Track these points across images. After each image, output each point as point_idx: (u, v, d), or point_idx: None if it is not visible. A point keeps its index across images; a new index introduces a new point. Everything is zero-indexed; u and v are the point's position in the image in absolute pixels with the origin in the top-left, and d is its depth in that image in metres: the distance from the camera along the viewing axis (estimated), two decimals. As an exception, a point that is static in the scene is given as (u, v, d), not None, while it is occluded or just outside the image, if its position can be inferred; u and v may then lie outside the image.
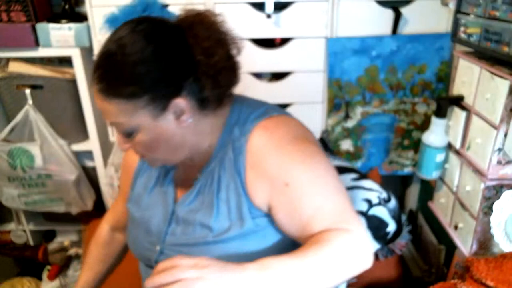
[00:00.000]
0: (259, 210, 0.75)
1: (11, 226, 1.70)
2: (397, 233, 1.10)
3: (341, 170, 1.10)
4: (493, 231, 1.05)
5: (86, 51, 1.39)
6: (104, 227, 1.08)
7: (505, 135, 0.99)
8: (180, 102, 0.71)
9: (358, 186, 1.05)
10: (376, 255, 1.31)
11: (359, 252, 0.68)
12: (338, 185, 0.73)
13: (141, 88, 0.69)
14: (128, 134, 0.75)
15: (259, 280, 0.60)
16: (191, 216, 0.79)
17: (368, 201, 1.02)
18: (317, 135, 1.50)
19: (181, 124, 0.74)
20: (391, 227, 1.03)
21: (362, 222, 0.72)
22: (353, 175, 1.09)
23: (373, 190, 1.04)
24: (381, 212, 1.02)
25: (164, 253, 0.82)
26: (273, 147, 0.73)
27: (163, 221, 0.84)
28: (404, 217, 1.15)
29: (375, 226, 1.01)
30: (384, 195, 1.05)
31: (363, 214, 1.01)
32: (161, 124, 0.72)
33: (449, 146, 1.22)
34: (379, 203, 1.03)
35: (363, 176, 1.10)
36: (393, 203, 1.07)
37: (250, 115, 0.78)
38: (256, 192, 0.74)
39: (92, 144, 1.49)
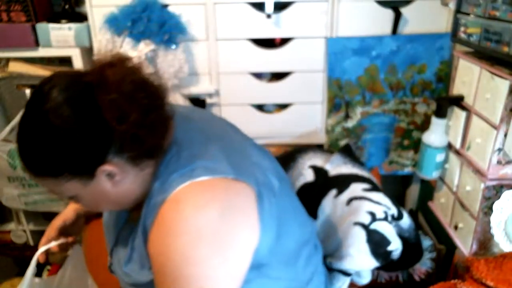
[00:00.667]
0: None
1: (11, 226, 1.70)
2: (415, 257, 1.07)
3: (355, 179, 1.08)
4: (493, 231, 1.05)
5: (86, 51, 1.39)
6: None
7: (505, 135, 0.99)
8: (107, 168, 0.68)
9: (366, 197, 1.02)
10: (397, 277, 1.29)
11: None
12: None
13: (57, 169, 0.68)
14: (70, 198, 0.74)
15: None
16: (119, 251, 0.83)
17: (372, 214, 0.98)
18: (318, 135, 1.50)
19: (116, 184, 0.72)
20: (394, 246, 0.98)
21: None
22: (365, 186, 1.05)
23: (380, 204, 1.00)
24: (385, 229, 0.98)
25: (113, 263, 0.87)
26: (172, 234, 0.67)
27: (112, 238, 0.87)
28: (428, 243, 1.10)
29: (375, 242, 0.97)
30: (393, 211, 1.01)
31: (365, 227, 0.98)
32: (95, 188, 0.71)
33: (449, 146, 1.22)
34: (385, 219, 0.99)
35: (375, 188, 1.06)
36: (406, 222, 1.03)
37: (173, 173, 0.70)
38: (151, 255, 0.71)
39: (92, 144, 1.49)
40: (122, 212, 0.87)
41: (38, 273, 1.72)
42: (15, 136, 0.69)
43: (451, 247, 1.25)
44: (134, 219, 0.81)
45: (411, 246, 1.03)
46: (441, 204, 1.29)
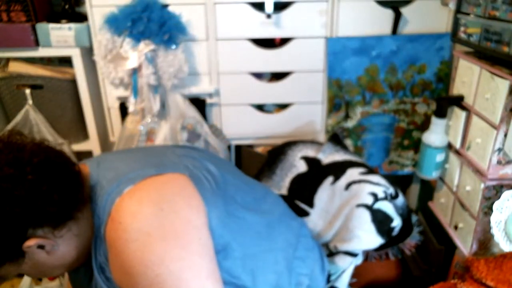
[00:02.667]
0: None
1: (11, 226, 1.70)
2: (407, 232, 1.11)
3: (350, 165, 1.12)
4: (493, 231, 1.05)
5: (86, 51, 1.39)
6: None
7: (505, 135, 0.99)
8: (32, 242, 0.67)
9: (365, 180, 1.06)
10: (386, 254, 1.31)
11: None
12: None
13: None
14: (17, 276, 0.74)
15: None
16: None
17: (374, 195, 1.03)
18: (318, 135, 1.50)
19: (51, 253, 0.71)
20: (396, 222, 1.04)
21: None
22: (361, 170, 1.10)
23: (380, 185, 1.05)
24: (387, 207, 1.03)
25: None
26: (123, 251, 0.66)
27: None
28: (415, 218, 1.15)
29: (379, 220, 1.02)
30: (391, 190, 1.06)
31: (368, 207, 1.02)
32: (32, 262, 0.70)
33: (449, 146, 1.22)
34: (385, 198, 1.04)
35: (371, 171, 1.11)
36: (400, 200, 1.08)
37: (103, 201, 0.71)
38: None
39: (92, 144, 1.49)
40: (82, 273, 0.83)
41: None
42: None
43: (451, 247, 1.25)
44: None
45: (404, 222, 1.08)
46: (441, 204, 1.29)
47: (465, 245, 1.15)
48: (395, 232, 1.06)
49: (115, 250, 0.67)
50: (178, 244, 0.67)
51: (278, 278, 0.86)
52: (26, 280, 1.62)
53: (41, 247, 0.69)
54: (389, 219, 1.03)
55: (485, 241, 1.11)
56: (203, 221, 0.72)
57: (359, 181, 1.07)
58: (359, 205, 1.03)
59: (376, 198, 1.03)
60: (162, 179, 0.73)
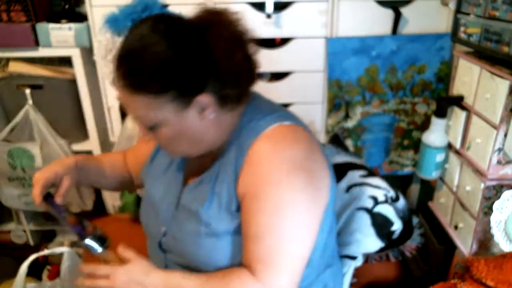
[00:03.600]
0: None
1: (11, 226, 1.70)
2: (407, 234, 1.10)
3: (351, 167, 1.11)
4: (493, 231, 1.05)
5: (86, 51, 1.38)
6: (119, 156, 1.09)
7: (505, 135, 0.99)
8: (203, 98, 0.73)
9: (365, 183, 1.06)
10: (387, 256, 1.31)
11: None
12: (296, 227, 0.74)
13: (166, 85, 0.71)
14: (151, 128, 0.76)
15: None
16: (189, 205, 0.82)
17: (374, 198, 1.03)
18: (318, 135, 1.50)
19: (203, 120, 0.76)
20: (397, 226, 1.03)
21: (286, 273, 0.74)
22: (362, 172, 1.10)
23: (380, 188, 1.05)
24: (387, 210, 1.03)
25: (167, 235, 0.86)
26: (268, 163, 0.74)
27: (170, 206, 0.87)
28: (416, 220, 1.14)
29: (379, 224, 1.02)
30: (391, 193, 1.06)
31: (368, 211, 1.02)
32: (184, 119, 0.75)
33: (449, 146, 1.22)
34: (385, 201, 1.03)
35: (371, 173, 1.11)
36: (401, 203, 1.07)
37: (261, 120, 0.79)
38: (240, 194, 0.76)
39: (92, 144, 1.49)
40: (176, 177, 0.88)
41: (38, 273, 1.72)
42: (118, 55, 0.72)
43: (451, 247, 1.25)
44: (195, 174, 0.85)
45: (405, 225, 1.08)
46: (441, 204, 1.29)
47: (465, 245, 1.15)
48: (395, 236, 1.05)
49: (258, 161, 0.74)
50: (311, 187, 0.75)
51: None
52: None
53: (202, 110, 0.75)
54: (389, 223, 1.03)
55: (485, 241, 1.11)
56: (327, 195, 0.80)
57: (360, 184, 1.07)
58: (359, 208, 1.03)
59: (376, 201, 1.03)
60: (313, 139, 0.81)
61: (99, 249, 0.80)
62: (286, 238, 0.73)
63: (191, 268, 0.80)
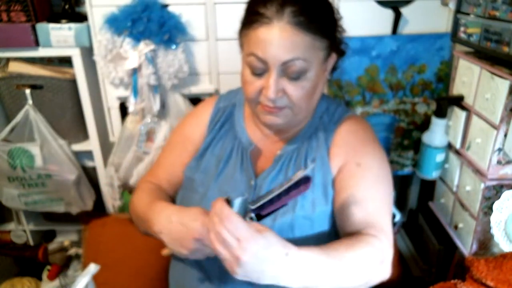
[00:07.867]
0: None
1: (11, 226, 1.70)
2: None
3: None
4: (493, 231, 1.05)
5: (86, 51, 1.38)
6: (155, 187, 0.98)
7: (505, 135, 0.99)
8: (333, 57, 0.83)
9: None
10: None
11: (384, 263, 0.73)
12: (389, 195, 0.83)
13: (329, 31, 0.78)
14: (297, 76, 0.76)
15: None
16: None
17: None
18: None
19: (323, 79, 0.83)
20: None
21: (391, 236, 0.78)
22: None
23: None
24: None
25: None
26: (359, 134, 0.87)
27: (245, 194, 0.87)
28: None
29: None
30: None
31: None
32: (321, 72, 0.81)
33: (449, 146, 1.22)
34: None
35: None
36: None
37: (338, 108, 0.92)
38: (334, 167, 0.84)
39: (92, 144, 1.49)
40: (244, 166, 0.89)
41: (38, 273, 1.72)
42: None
43: (451, 247, 1.25)
44: (261, 159, 0.89)
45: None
46: (441, 204, 1.29)
47: (465, 245, 1.15)
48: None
49: (356, 136, 0.86)
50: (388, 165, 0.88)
51: None
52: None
53: (325, 69, 0.83)
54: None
55: (485, 241, 1.11)
56: None
57: None
58: None
59: None
60: None
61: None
62: (386, 198, 0.81)
63: None
